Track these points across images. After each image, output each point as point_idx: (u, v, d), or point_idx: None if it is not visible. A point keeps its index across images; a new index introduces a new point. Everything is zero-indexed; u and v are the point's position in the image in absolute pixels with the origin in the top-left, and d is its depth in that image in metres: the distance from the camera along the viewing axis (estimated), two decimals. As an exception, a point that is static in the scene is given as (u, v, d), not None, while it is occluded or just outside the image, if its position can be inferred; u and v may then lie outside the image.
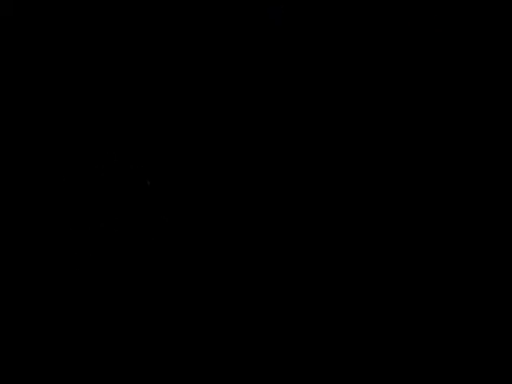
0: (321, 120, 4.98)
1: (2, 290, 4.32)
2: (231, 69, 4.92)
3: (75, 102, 4.73)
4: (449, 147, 5.04)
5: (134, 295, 4.40)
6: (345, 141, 4.98)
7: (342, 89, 4.99)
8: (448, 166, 5.00)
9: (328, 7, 4.93)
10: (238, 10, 4.83)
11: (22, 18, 4.64)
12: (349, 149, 4.98)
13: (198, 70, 4.87)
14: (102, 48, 4.76)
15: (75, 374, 3.92)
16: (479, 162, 5.01)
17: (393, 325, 4.32)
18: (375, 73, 5.03)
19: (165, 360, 4.06)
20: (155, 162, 4.70)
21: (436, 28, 5.01)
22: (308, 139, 4.96)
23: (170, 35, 4.82)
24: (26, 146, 4.62)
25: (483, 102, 5.11)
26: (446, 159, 5.02)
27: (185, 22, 4.83)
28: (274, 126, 4.92)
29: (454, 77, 5.07)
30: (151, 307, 4.34)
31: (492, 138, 5.06)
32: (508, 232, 4.80)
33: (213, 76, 4.88)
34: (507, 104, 5.08)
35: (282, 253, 4.65)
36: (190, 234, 4.61)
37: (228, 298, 4.43)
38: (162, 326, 4.23)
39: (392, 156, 5.00)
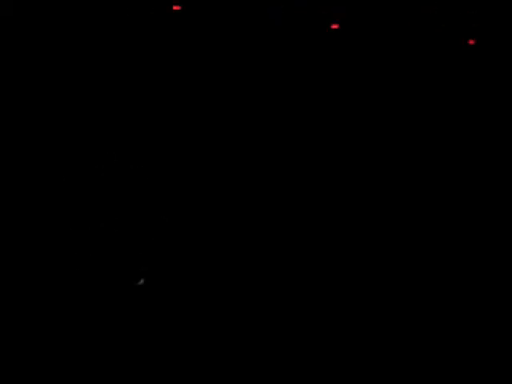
0: (320, 119, 4.98)
1: (2, 290, 4.32)
2: (231, 68, 4.92)
3: (75, 102, 4.73)
4: (448, 148, 5.04)
5: (133, 295, 4.40)
6: (344, 140, 4.97)
7: (342, 88, 4.99)
8: (448, 167, 5.00)
9: (326, 7, 4.93)
10: (239, 10, 4.83)
11: (22, 17, 4.64)
12: (348, 149, 4.98)
13: (198, 70, 4.87)
14: (101, 48, 4.76)
15: (75, 374, 3.92)
16: (478, 163, 5.01)
17: (392, 325, 4.32)
18: (376, 73, 5.03)
19: (165, 360, 4.06)
20: (155, 162, 4.70)
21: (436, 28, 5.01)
22: (307, 138, 4.96)
23: (170, 35, 4.82)
24: (25, 146, 4.62)
25: (483, 102, 5.11)
26: (446, 160, 5.02)
27: (185, 22, 4.83)
28: (273, 125, 4.92)
29: (453, 77, 5.07)
30: (151, 307, 4.34)
31: (491, 138, 5.06)
32: (508, 232, 4.80)
33: (213, 75, 4.88)
34: (507, 104, 5.08)
35: (281, 253, 4.65)
36: (190, 233, 4.61)
37: (228, 297, 4.43)
38: (161, 326, 4.23)
39: (391, 156, 5.00)
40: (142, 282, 4.14)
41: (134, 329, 4.21)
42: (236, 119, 4.88)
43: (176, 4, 4.59)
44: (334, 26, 4.48)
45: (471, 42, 4.25)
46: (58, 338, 4.11)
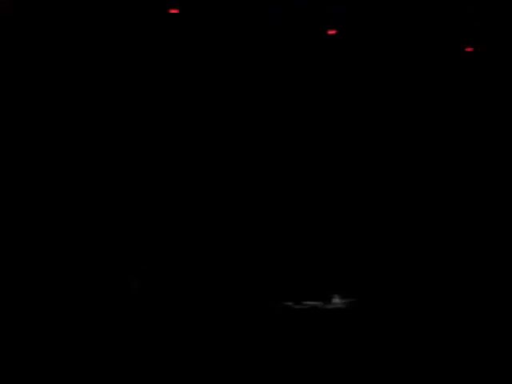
0: (321, 119, 4.98)
1: (2, 290, 4.32)
2: (231, 68, 4.92)
3: (75, 102, 4.73)
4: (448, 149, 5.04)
5: (133, 294, 4.40)
6: (345, 141, 4.97)
7: (341, 88, 4.99)
8: (447, 168, 5.00)
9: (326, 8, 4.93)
10: (239, 10, 4.83)
11: (22, 17, 4.64)
12: (348, 149, 4.98)
13: (198, 70, 4.87)
14: (101, 48, 4.76)
15: (75, 374, 3.92)
16: (478, 164, 5.01)
17: (393, 325, 4.32)
18: (376, 72, 5.03)
19: (165, 360, 4.06)
20: (155, 162, 4.70)
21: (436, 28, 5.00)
22: (308, 139, 4.96)
23: (171, 35, 4.82)
24: (26, 146, 4.62)
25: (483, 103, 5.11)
26: (446, 161, 5.02)
27: (185, 22, 4.83)
28: (273, 125, 4.91)
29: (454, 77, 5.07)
30: (151, 306, 4.34)
31: (491, 139, 5.06)
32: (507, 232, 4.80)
33: (213, 75, 4.88)
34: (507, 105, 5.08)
35: (281, 253, 4.65)
36: (189, 233, 4.61)
37: (227, 297, 4.43)
38: (161, 325, 4.23)
39: (391, 157, 5.00)
40: (131, 288, 4.14)
41: (133, 327, 4.21)
42: (235, 119, 4.88)
43: (175, 6, 4.59)
44: (332, 32, 4.49)
45: (469, 49, 4.27)
46: (59, 335, 4.11)
